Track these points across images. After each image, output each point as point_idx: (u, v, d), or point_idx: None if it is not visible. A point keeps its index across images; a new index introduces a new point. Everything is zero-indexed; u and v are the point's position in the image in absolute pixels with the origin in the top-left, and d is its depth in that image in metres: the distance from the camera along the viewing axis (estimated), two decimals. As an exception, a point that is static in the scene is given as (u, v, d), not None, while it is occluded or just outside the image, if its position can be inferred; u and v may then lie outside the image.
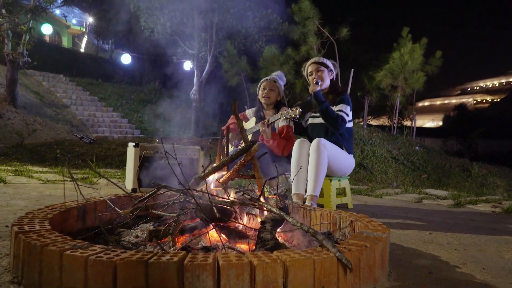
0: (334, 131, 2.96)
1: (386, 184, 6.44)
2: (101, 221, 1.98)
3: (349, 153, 3.10)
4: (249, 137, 3.35)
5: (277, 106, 3.38)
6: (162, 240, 1.62)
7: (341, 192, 3.25)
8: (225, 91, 12.30)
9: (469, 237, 2.28)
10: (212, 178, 1.72)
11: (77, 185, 1.56)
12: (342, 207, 3.20)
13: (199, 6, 11.13)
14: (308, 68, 3.17)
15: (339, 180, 3.10)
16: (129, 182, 3.38)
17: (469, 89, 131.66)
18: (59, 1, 7.68)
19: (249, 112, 3.61)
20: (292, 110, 2.86)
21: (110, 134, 12.88)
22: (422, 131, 20.57)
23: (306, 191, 2.71)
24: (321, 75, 3.08)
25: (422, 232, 2.36)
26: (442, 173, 7.54)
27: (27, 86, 14.16)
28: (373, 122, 20.75)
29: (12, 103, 11.79)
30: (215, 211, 1.42)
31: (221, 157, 1.93)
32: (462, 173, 7.71)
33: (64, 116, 13.13)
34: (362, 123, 12.54)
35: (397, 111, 11.15)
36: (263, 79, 3.44)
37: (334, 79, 3.21)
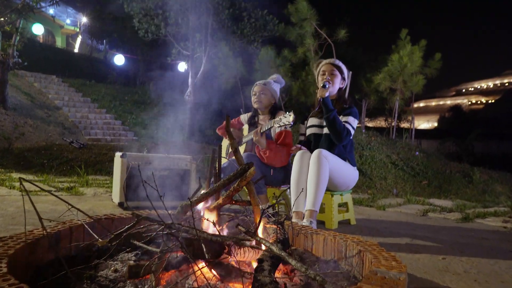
0: (336, 142, 2.74)
1: (386, 191, 6.24)
2: (78, 249, 1.75)
3: (353, 165, 2.89)
4: (244, 146, 3.13)
5: (272, 111, 3.16)
6: (144, 278, 1.40)
7: (343, 204, 3.03)
8: (220, 92, 12.10)
9: (486, 263, 2.07)
10: (201, 204, 1.50)
11: (59, 198, 1.34)
12: (344, 223, 2.99)
13: (194, 7, 10.91)
14: (322, 67, 2.92)
15: (341, 195, 2.89)
16: (116, 195, 3.15)
17: (464, 90, 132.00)
18: (47, 1, 7.43)
19: (244, 117, 3.39)
20: (285, 117, 2.64)
21: (103, 136, 12.61)
22: (418, 132, 20.43)
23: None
24: (333, 79, 2.85)
25: (435, 256, 2.15)
26: (442, 179, 7.36)
27: (18, 87, 13.86)
28: (370, 124, 20.60)
29: (1, 105, 11.51)
30: (204, 249, 1.20)
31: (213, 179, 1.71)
32: (463, 179, 7.53)
33: (56, 118, 12.84)
34: (360, 126, 12.37)
35: (396, 114, 10.98)
36: (255, 83, 3.23)
37: (344, 88, 2.97)
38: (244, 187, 1.41)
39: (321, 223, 2.84)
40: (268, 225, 1.45)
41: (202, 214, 1.47)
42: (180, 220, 1.42)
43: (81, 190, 4.03)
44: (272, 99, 3.18)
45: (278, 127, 2.69)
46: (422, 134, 25.37)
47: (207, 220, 1.42)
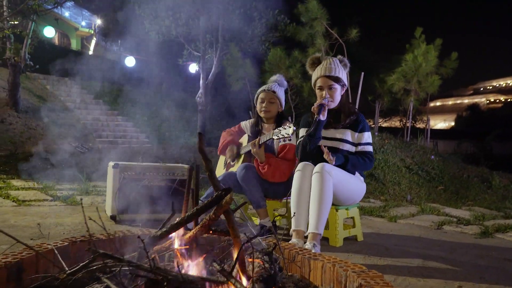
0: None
1: (399, 198, 5.96)
2: (45, 278, 1.57)
3: (362, 176, 2.67)
4: (242, 158, 2.93)
5: (278, 120, 2.95)
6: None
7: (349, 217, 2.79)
8: (232, 94, 11.93)
9: (509, 293, 1.83)
10: (176, 234, 1.30)
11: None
12: (351, 239, 2.76)
13: (204, 8, 10.78)
14: (318, 81, 2.60)
15: (347, 209, 2.66)
16: (108, 208, 2.99)
17: (481, 88, 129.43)
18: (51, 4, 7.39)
19: (245, 124, 3.18)
20: (285, 129, 2.43)
21: (114, 139, 12.58)
22: (434, 133, 19.94)
23: (308, 227, 2.27)
24: (333, 94, 2.55)
25: (450, 283, 1.92)
26: (459, 184, 7.03)
27: (30, 90, 13.93)
28: (384, 124, 20.20)
29: (14, 108, 11.56)
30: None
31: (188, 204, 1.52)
32: (482, 184, 7.18)
33: (68, 121, 12.84)
34: (373, 125, 12.05)
35: (411, 116, 10.62)
36: (261, 89, 3.01)
37: (344, 93, 2.66)
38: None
39: (324, 239, 2.61)
40: (251, 260, 1.25)
41: (174, 246, 1.28)
42: (150, 253, 1.23)
43: (78, 200, 3.89)
44: (280, 107, 2.98)
45: (277, 139, 2.48)
46: (438, 134, 24.81)
47: (179, 255, 1.22)
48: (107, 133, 12.94)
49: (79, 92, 15.73)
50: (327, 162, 2.37)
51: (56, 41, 25.17)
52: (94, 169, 6.02)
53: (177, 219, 1.24)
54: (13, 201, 3.54)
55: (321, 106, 2.47)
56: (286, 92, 10.22)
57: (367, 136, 2.58)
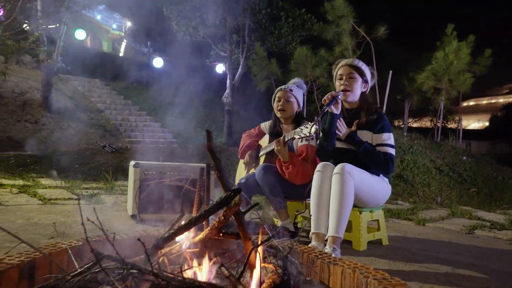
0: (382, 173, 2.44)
1: (429, 200, 5.76)
2: (57, 278, 1.56)
3: (386, 177, 2.55)
4: (262, 158, 2.87)
5: (296, 120, 2.87)
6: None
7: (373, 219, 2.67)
8: (258, 94, 11.90)
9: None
10: (185, 236, 1.26)
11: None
12: (375, 242, 2.65)
13: (231, 8, 10.80)
14: (339, 70, 2.52)
15: (371, 212, 2.55)
16: (129, 207, 3.00)
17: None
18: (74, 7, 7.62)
19: (264, 125, 3.13)
20: (307, 127, 2.35)
21: (143, 139, 12.77)
22: (467, 133, 19.25)
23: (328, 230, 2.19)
24: (352, 84, 2.45)
25: (480, 292, 1.80)
26: (494, 187, 6.74)
27: (62, 91, 14.33)
28: (414, 125, 19.69)
29: (47, 109, 11.93)
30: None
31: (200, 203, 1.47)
32: (517, 186, 6.87)
33: (98, 121, 13.14)
34: (402, 126, 11.74)
35: (441, 116, 10.27)
36: (278, 88, 2.95)
37: (367, 91, 2.58)
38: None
39: (347, 242, 2.51)
40: (264, 264, 1.19)
41: (183, 248, 1.24)
42: (156, 256, 1.19)
43: (103, 198, 3.94)
44: (297, 107, 2.90)
45: (299, 138, 2.40)
46: (471, 134, 23.98)
47: (188, 258, 1.18)
48: (136, 133, 13.15)
49: (109, 93, 16.10)
50: (347, 162, 2.26)
51: (88, 44, 25.86)
52: (121, 169, 6.12)
53: (182, 221, 1.20)
54: (39, 200, 3.62)
55: (334, 98, 2.34)
56: (312, 92, 10.11)
57: (387, 137, 2.40)
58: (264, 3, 11.27)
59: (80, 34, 14.11)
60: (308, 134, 2.36)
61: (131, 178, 3.01)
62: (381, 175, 2.49)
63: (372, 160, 2.36)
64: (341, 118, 2.38)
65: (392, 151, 2.40)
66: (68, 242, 1.67)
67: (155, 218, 2.92)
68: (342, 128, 2.36)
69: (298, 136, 2.41)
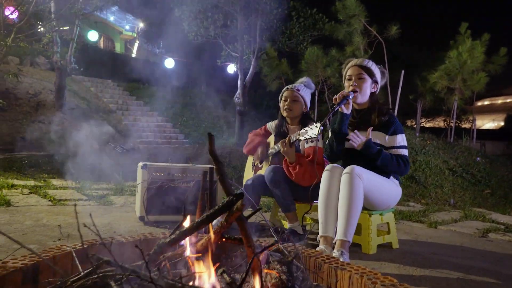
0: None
1: (441, 201, 5.67)
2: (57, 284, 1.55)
3: (397, 179, 2.50)
4: (269, 159, 2.84)
5: (303, 121, 2.83)
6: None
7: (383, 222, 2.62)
8: (270, 94, 11.87)
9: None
10: (188, 240, 1.24)
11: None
12: (385, 246, 2.61)
13: (242, 8, 10.80)
14: (348, 70, 2.50)
15: (381, 214, 2.51)
16: (137, 209, 2.99)
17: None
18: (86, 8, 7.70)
19: (270, 125, 3.09)
20: (311, 129, 2.31)
21: (154, 139, 12.83)
22: (481, 133, 18.89)
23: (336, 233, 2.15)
24: (361, 84, 2.42)
25: (493, 299, 1.75)
26: (508, 188, 6.60)
27: (75, 92, 14.48)
28: (427, 125, 19.44)
29: (60, 109, 12.06)
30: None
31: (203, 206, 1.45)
32: (534, 188, 6.72)
33: (110, 122, 13.25)
34: (415, 126, 11.58)
35: (455, 116, 10.11)
36: (285, 87, 2.91)
37: (377, 92, 2.54)
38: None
39: (356, 246, 2.47)
40: (267, 270, 1.16)
41: (185, 253, 1.22)
42: (157, 261, 1.18)
43: (112, 199, 3.96)
44: (305, 107, 2.86)
45: (304, 139, 2.37)
46: (486, 134, 23.55)
47: (191, 263, 1.16)
48: (147, 133, 13.22)
49: (121, 93, 16.22)
50: (357, 164, 2.22)
51: (101, 45, 26.12)
52: (131, 169, 6.14)
53: (184, 225, 1.18)
54: (49, 200, 3.65)
55: (345, 98, 2.32)
56: (323, 92, 10.04)
57: (401, 139, 2.39)
58: (275, 3, 11.24)
59: (93, 36, 14.28)
60: (313, 136, 2.32)
61: (139, 180, 3.01)
62: (391, 177, 2.45)
63: (388, 167, 2.35)
64: (356, 131, 2.32)
65: (405, 152, 2.42)
66: (73, 245, 1.67)
67: (163, 219, 2.91)
68: (356, 139, 2.29)
69: (303, 138, 2.38)
